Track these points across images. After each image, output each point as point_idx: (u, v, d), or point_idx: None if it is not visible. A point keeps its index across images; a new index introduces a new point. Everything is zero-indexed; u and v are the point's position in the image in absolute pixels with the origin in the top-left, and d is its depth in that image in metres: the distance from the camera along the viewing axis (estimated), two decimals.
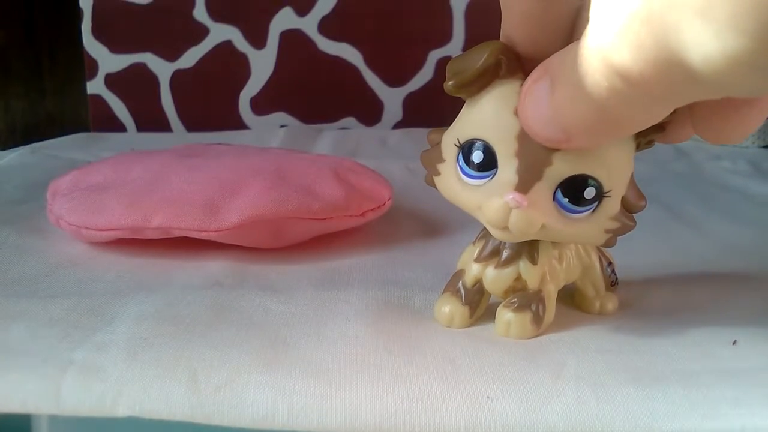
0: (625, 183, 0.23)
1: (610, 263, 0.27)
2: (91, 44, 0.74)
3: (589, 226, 0.22)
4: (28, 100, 0.77)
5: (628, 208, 0.23)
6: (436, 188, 0.24)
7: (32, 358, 0.22)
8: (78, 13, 0.74)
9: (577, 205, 0.22)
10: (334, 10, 0.73)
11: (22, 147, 0.58)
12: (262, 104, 0.75)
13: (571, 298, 0.28)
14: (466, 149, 0.23)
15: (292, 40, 0.73)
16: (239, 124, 0.75)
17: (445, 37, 0.73)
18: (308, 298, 0.28)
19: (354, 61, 0.74)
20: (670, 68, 0.15)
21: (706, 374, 0.22)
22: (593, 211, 0.22)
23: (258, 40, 0.74)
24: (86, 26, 0.74)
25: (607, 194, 0.22)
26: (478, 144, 0.22)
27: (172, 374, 0.22)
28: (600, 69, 0.16)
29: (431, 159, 0.24)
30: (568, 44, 0.19)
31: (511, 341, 0.24)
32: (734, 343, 0.24)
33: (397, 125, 0.75)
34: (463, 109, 0.23)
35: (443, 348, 0.24)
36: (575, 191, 0.22)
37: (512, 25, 0.21)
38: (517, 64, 0.21)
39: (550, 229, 0.22)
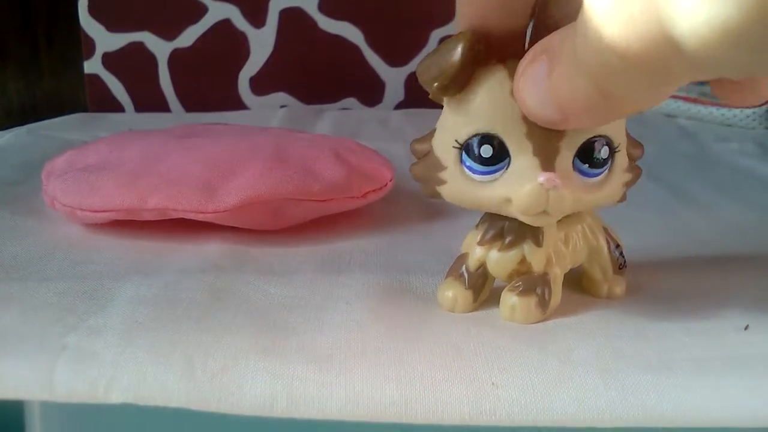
0: (624, 134, 0.23)
1: (617, 245, 0.27)
2: (88, 23, 0.73)
3: (609, 184, 0.23)
4: (25, 80, 0.76)
5: (633, 156, 0.24)
6: (438, 198, 0.24)
7: (25, 343, 0.22)
8: None
9: (597, 168, 0.22)
10: None
11: (18, 127, 0.57)
12: (261, 84, 0.74)
13: (579, 282, 0.27)
14: (470, 148, 0.22)
15: (292, 18, 0.72)
16: (238, 105, 0.74)
17: (447, 16, 0.72)
18: (308, 281, 0.28)
19: (355, 40, 0.73)
20: (660, 43, 0.15)
21: (717, 361, 0.22)
22: (609, 169, 0.23)
23: (257, 18, 0.73)
24: (83, 5, 0.73)
25: (617, 149, 0.23)
26: (481, 138, 0.22)
27: (168, 360, 0.21)
28: (594, 45, 0.16)
29: (427, 170, 0.23)
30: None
31: (516, 326, 0.24)
32: (746, 328, 0.24)
33: (399, 106, 0.74)
34: (445, 111, 0.23)
35: (446, 333, 0.23)
36: (591, 155, 0.22)
37: (476, 13, 0.21)
38: (488, 51, 0.21)
39: (580, 200, 0.22)
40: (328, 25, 0.73)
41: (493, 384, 0.20)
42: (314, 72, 0.74)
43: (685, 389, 0.20)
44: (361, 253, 0.31)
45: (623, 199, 0.24)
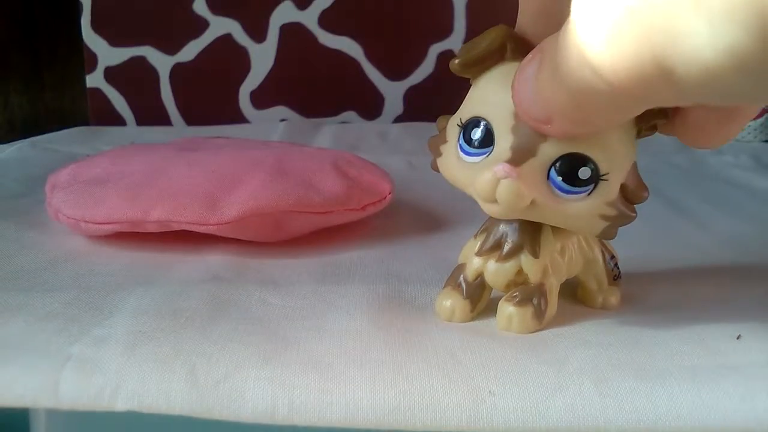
0: (624, 169, 0.22)
1: (613, 257, 0.27)
2: (90, 38, 0.74)
3: (584, 209, 0.22)
4: (27, 94, 0.77)
5: (628, 197, 0.22)
6: (437, 171, 0.24)
7: (30, 353, 0.22)
8: (77, 7, 0.74)
9: (572, 186, 0.22)
10: (334, 3, 0.72)
11: (21, 141, 0.58)
12: (262, 98, 0.75)
13: (574, 292, 0.27)
14: (467, 128, 0.23)
15: (292, 33, 0.73)
16: (239, 118, 0.75)
17: (446, 31, 0.73)
18: (308, 292, 0.28)
19: (354, 54, 0.74)
20: (648, 66, 0.14)
21: (710, 369, 0.22)
22: (589, 194, 0.22)
23: (258, 33, 0.73)
24: (86, 20, 0.74)
25: (603, 177, 0.22)
26: (478, 122, 0.22)
27: (171, 369, 0.21)
28: (574, 59, 0.16)
29: (436, 142, 0.24)
30: None
31: (513, 335, 0.24)
32: (738, 337, 0.24)
33: (398, 119, 0.75)
34: (469, 92, 0.23)
35: (445, 343, 0.24)
36: (570, 171, 0.21)
37: (527, 21, 0.22)
38: (524, 49, 0.21)
39: (540, 208, 0.22)
40: (328, 39, 0.73)
41: (490, 392, 0.21)
42: (314, 86, 0.74)
43: (679, 397, 0.20)
44: (361, 264, 0.32)
45: (607, 235, 0.23)
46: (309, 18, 0.73)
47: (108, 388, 0.21)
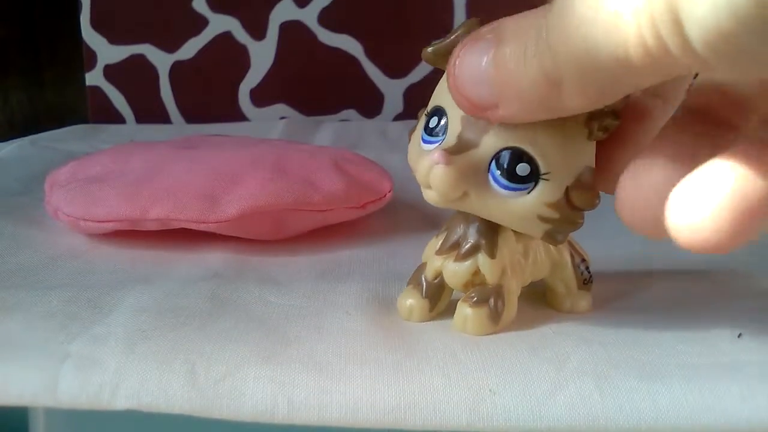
0: (571, 171, 0.21)
1: (583, 260, 0.26)
2: (90, 35, 0.74)
3: (521, 207, 0.22)
4: (27, 92, 0.77)
5: (574, 202, 0.22)
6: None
7: (29, 351, 0.22)
8: (77, 5, 0.73)
9: (510, 181, 0.21)
10: (334, 1, 0.72)
11: (21, 139, 0.58)
12: (261, 96, 0.75)
13: (543, 296, 0.27)
14: (430, 117, 0.23)
15: (292, 31, 0.73)
16: (239, 116, 0.75)
17: (446, 29, 0.73)
18: (308, 290, 0.28)
19: (354, 52, 0.74)
20: (662, 37, 0.14)
21: (711, 368, 0.22)
22: (528, 192, 0.21)
23: (258, 31, 0.73)
24: (85, 17, 0.74)
25: (544, 176, 0.21)
26: (436, 110, 0.23)
27: (171, 367, 0.21)
28: (575, 33, 0.16)
29: (411, 131, 0.25)
30: None
31: (513, 334, 0.24)
32: (739, 336, 0.24)
33: (398, 117, 0.75)
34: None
35: (444, 341, 0.23)
36: (509, 165, 0.21)
37: None
38: None
39: (475, 200, 0.22)
40: (328, 37, 0.73)
41: (490, 391, 0.21)
42: (314, 84, 0.74)
43: (680, 396, 0.20)
44: (360, 262, 0.32)
45: (552, 239, 0.22)
46: (309, 16, 0.73)
47: (107, 386, 0.21)
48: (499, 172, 0.21)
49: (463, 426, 0.20)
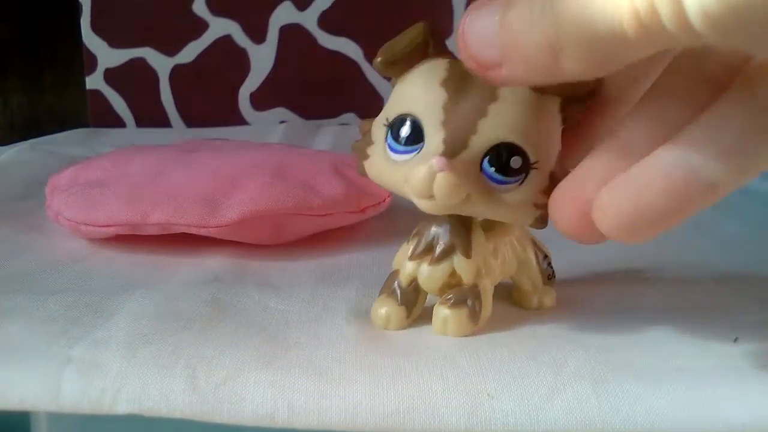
0: (552, 157, 0.22)
1: (546, 256, 0.27)
2: (90, 39, 0.74)
3: (518, 198, 0.22)
4: (27, 95, 0.77)
5: (556, 184, 0.22)
6: (364, 175, 0.24)
7: (31, 355, 0.22)
8: (77, 8, 0.74)
9: (505, 176, 0.22)
10: (334, 4, 0.73)
11: (21, 143, 0.58)
12: (261, 100, 0.75)
13: (509, 295, 0.27)
14: (394, 127, 0.22)
15: (292, 34, 0.73)
16: (239, 120, 0.75)
17: (445, 33, 0.73)
18: (308, 295, 0.28)
19: (354, 56, 0.74)
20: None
21: (708, 372, 0.22)
22: (521, 183, 0.22)
23: (258, 34, 0.73)
24: (85, 21, 0.74)
25: (534, 165, 0.22)
26: (405, 118, 0.22)
27: (172, 372, 0.21)
28: (585, 8, 0.16)
29: (362, 146, 0.24)
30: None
31: (511, 338, 0.24)
32: (736, 340, 0.24)
33: None
34: (392, 91, 0.23)
35: (442, 346, 0.24)
36: (502, 160, 0.22)
37: None
38: (444, 46, 0.22)
39: (477, 201, 0.22)
40: (328, 41, 0.73)
41: (488, 395, 0.21)
42: (314, 88, 0.74)
43: (677, 400, 0.20)
44: (360, 266, 0.32)
45: (538, 224, 0.23)
46: (309, 19, 0.73)
47: (109, 391, 0.21)
48: (493, 169, 0.22)
49: (462, 430, 0.20)
